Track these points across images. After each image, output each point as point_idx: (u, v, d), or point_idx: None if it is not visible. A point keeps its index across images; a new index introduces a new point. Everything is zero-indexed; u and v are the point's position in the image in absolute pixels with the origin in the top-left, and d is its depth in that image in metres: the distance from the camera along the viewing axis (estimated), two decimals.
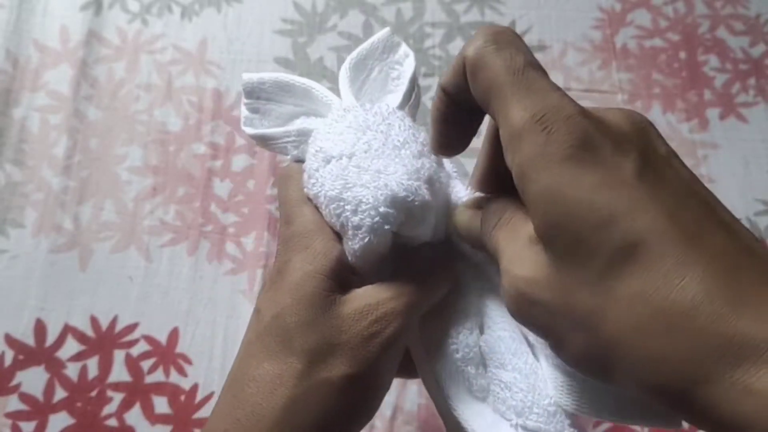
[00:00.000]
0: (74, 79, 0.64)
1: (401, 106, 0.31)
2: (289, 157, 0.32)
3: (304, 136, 0.31)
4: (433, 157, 0.29)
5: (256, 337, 0.25)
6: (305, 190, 0.29)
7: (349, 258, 0.27)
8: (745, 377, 0.15)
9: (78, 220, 0.58)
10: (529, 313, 0.20)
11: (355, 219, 0.26)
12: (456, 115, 0.25)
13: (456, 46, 0.68)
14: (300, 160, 0.31)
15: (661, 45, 0.69)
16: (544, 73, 0.22)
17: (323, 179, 0.28)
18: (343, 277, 0.27)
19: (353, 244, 0.27)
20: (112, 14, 0.69)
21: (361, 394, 0.25)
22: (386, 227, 0.26)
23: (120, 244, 0.57)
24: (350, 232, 0.27)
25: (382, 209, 0.26)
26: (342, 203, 0.27)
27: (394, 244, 0.27)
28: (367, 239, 0.26)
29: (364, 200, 0.26)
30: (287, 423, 0.23)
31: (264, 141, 0.32)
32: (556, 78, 0.66)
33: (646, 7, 0.71)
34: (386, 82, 0.33)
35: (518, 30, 0.69)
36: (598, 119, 0.20)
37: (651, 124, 0.21)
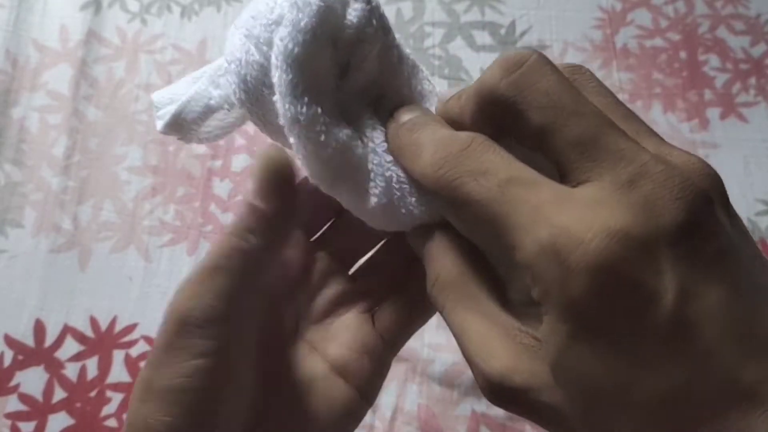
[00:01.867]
0: (74, 79, 0.64)
1: None
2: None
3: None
4: None
5: None
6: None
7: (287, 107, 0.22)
8: None
9: (77, 220, 0.58)
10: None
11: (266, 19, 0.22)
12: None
13: (456, 46, 0.68)
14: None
15: (661, 45, 0.69)
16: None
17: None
18: None
19: (281, 49, 0.21)
20: (112, 14, 0.69)
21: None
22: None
23: (119, 244, 0.57)
24: (276, 38, 0.21)
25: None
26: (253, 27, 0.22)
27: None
28: (307, 21, 0.21)
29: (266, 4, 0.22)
30: None
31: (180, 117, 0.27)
32: None
33: (646, 7, 0.71)
34: None
35: (518, 30, 0.69)
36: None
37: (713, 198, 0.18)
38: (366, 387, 0.27)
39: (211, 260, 0.24)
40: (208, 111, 0.26)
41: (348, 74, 0.23)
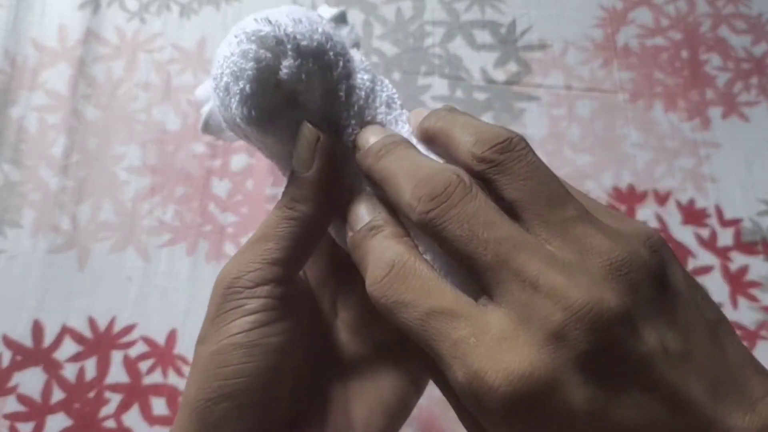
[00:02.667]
0: (72, 79, 0.64)
1: None
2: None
3: None
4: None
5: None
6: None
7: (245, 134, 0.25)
8: None
9: (76, 220, 0.58)
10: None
11: (224, 74, 0.24)
12: None
13: (456, 45, 0.68)
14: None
15: (662, 44, 0.68)
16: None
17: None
18: None
19: (237, 110, 0.24)
20: (111, 13, 0.68)
21: None
22: (249, 65, 0.23)
23: (118, 244, 0.57)
24: (231, 99, 0.24)
25: (242, 47, 0.24)
26: (217, 80, 0.25)
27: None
28: (246, 87, 0.24)
29: (225, 55, 0.24)
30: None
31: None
32: (557, 77, 0.66)
33: (647, 6, 0.71)
34: None
35: (519, 29, 0.69)
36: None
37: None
38: (414, 371, 0.27)
39: (259, 231, 0.25)
40: (222, 124, 0.28)
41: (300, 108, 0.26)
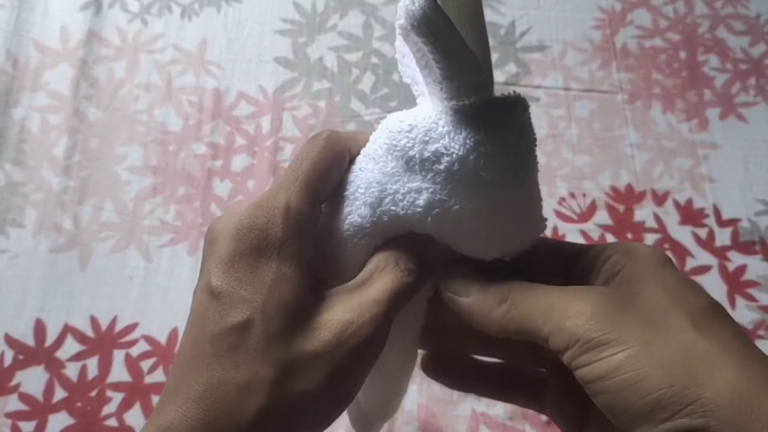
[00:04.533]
0: (74, 79, 0.64)
1: None
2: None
3: None
4: None
5: (218, 334, 0.22)
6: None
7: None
8: None
9: (78, 220, 0.58)
10: None
11: None
12: None
13: None
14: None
15: (661, 45, 0.69)
16: None
17: None
18: (314, 280, 0.24)
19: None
20: (112, 14, 0.69)
21: (336, 404, 0.24)
22: None
23: (120, 244, 0.57)
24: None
25: None
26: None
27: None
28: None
29: None
30: None
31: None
32: (556, 78, 0.66)
33: (646, 7, 0.71)
34: None
35: (518, 30, 0.69)
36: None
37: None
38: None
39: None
40: None
41: None
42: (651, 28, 0.70)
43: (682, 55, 0.68)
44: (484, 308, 0.24)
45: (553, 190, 0.60)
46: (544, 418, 0.51)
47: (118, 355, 0.52)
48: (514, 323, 0.23)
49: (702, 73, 0.67)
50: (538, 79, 0.66)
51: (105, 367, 0.52)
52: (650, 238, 0.58)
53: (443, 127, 0.23)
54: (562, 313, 0.22)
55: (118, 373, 0.52)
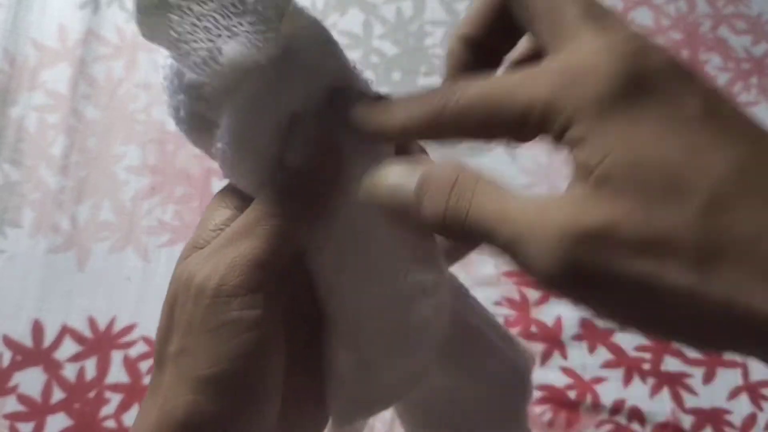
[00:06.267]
0: (72, 78, 0.64)
1: None
2: None
3: None
4: None
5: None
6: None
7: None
8: None
9: (76, 220, 0.58)
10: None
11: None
12: (475, 64, 0.23)
13: None
14: None
15: (662, 44, 0.68)
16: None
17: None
18: None
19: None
20: (111, 13, 0.68)
21: None
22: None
23: (118, 244, 0.57)
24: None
25: None
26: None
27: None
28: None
29: None
30: None
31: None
32: None
33: (647, 6, 0.71)
34: None
35: None
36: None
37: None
38: None
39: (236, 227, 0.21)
40: None
41: None
42: (653, 27, 0.69)
43: (684, 54, 0.68)
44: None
45: (560, 184, 0.60)
46: (544, 418, 0.51)
47: (117, 356, 0.52)
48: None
49: (704, 72, 0.67)
50: None
51: (103, 368, 0.52)
52: None
53: None
54: None
55: (117, 374, 0.52)
